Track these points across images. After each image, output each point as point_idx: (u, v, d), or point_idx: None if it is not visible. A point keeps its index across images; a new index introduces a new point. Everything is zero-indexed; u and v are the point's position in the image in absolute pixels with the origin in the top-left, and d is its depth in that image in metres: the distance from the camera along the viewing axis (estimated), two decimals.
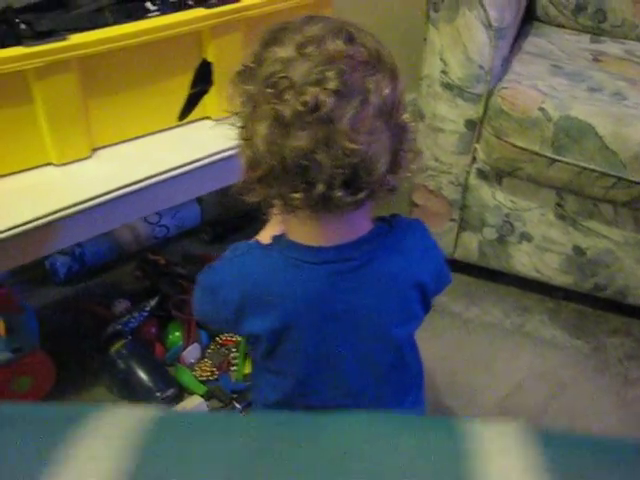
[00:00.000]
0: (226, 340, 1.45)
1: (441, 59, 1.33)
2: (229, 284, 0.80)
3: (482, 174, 1.46)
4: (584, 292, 1.53)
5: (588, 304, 1.59)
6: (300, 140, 0.66)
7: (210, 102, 1.16)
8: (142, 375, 1.32)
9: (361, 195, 0.69)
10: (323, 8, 1.17)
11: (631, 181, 1.29)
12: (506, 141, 1.35)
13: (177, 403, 1.32)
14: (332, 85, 0.65)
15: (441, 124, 1.40)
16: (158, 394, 1.31)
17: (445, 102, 1.37)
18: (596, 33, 1.64)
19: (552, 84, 1.36)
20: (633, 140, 1.26)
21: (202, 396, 1.34)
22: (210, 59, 1.11)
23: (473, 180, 1.47)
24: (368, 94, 0.67)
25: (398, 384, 0.88)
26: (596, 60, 1.51)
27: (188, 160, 1.08)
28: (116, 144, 1.12)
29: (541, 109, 1.31)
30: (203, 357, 1.43)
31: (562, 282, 1.53)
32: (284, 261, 0.77)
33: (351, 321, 0.79)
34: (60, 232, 1.00)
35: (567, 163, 1.32)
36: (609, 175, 1.30)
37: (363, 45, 0.68)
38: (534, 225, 1.47)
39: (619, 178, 1.29)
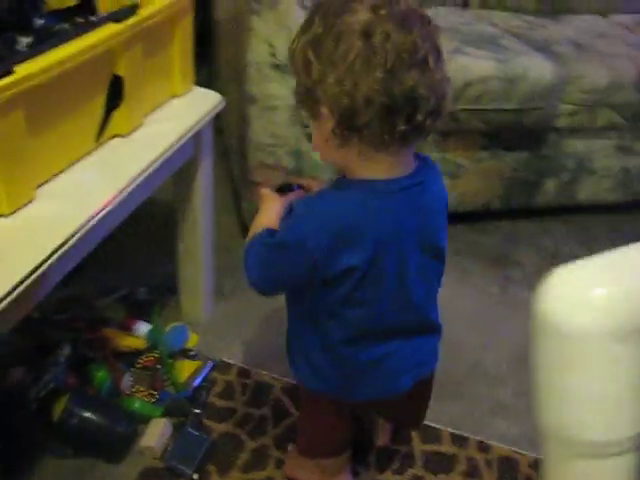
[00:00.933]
0: (146, 361, 1.44)
1: (268, 44, 1.48)
2: (315, 233, 0.89)
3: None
4: None
5: None
6: (407, 80, 0.81)
7: (120, 118, 1.15)
8: (99, 419, 1.27)
9: (438, 122, 0.87)
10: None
11: None
12: None
13: (139, 432, 1.30)
14: (417, 34, 0.82)
15: (274, 102, 1.56)
16: (120, 430, 1.27)
17: (276, 82, 1.53)
18: None
19: None
20: None
21: (162, 416, 1.34)
22: (121, 73, 1.11)
23: (306, 147, 1.66)
24: (434, 40, 0.85)
25: (435, 296, 1.07)
26: None
27: (122, 186, 1.08)
28: (51, 180, 1.06)
29: None
30: (134, 384, 1.40)
31: None
32: (364, 195, 0.89)
33: (418, 238, 0.95)
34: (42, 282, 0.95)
35: None
36: None
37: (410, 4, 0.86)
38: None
39: None
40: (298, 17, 1.47)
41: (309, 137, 1.66)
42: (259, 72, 1.52)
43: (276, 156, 1.64)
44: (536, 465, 1.34)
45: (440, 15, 2.04)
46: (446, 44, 1.64)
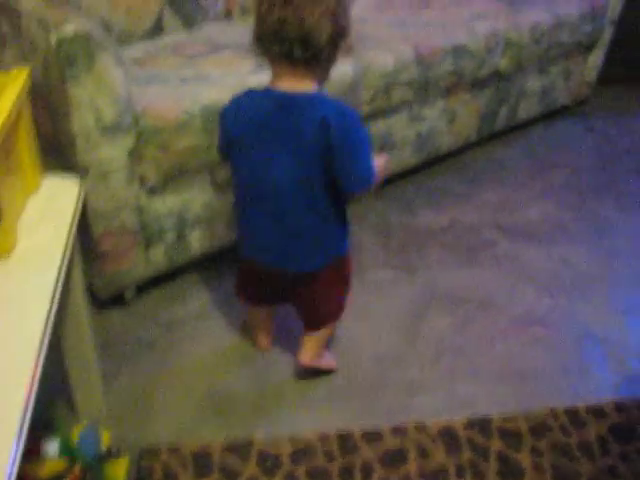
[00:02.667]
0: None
1: (92, 108, 1.36)
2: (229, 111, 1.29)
3: (151, 191, 1.57)
4: None
5: None
6: (274, 14, 1.13)
7: None
8: None
9: (308, 53, 1.15)
10: None
11: None
12: (171, 150, 1.51)
13: None
14: None
15: (108, 167, 1.45)
16: None
17: (106, 145, 1.42)
18: None
19: (172, 88, 1.55)
20: None
21: None
22: None
23: (145, 201, 1.57)
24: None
25: (312, 204, 1.30)
26: (139, 64, 1.73)
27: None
28: None
29: (184, 111, 1.50)
30: None
31: (231, 239, 1.81)
32: (253, 93, 1.26)
33: (283, 140, 1.22)
34: None
35: None
36: None
37: None
38: (200, 207, 1.69)
39: None
40: (115, 72, 1.37)
41: (149, 191, 1.57)
42: (88, 140, 1.39)
43: (120, 219, 1.53)
44: (471, 425, 1.46)
45: (212, 31, 2.02)
46: (244, 63, 1.65)
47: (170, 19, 1.97)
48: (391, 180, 2.27)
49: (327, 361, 1.58)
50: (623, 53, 3.04)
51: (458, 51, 2.09)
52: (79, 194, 1.18)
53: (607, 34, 2.77)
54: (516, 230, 2.13)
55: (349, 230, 1.41)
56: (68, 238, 1.09)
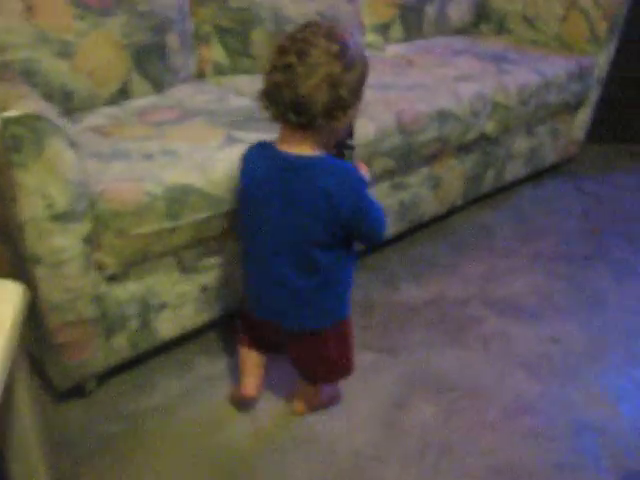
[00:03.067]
0: None
1: (42, 196, 1.25)
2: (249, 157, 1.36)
3: (112, 278, 1.45)
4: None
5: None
6: (273, 77, 1.20)
7: None
8: None
9: (302, 119, 1.19)
10: None
11: (231, 209, 1.52)
12: (130, 235, 1.39)
13: None
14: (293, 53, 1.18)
15: (61, 256, 1.32)
16: None
17: (59, 234, 1.30)
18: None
19: (135, 165, 1.44)
20: (220, 180, 1.48)
21: None
22: None
23: (105, 288, 1.45)
24: (319, 67, 1.16)
25: (305, 266, 1.33)
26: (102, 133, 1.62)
27: None
28: None
29: (146, 192, 1.39)
30: None
31: (201, 321, 1.68)
32: (260, 151, 1.32)
33: (284, 200, 1.26)
34: None
35: (185, 223, 1.46)
36: (218, 214, 1.50)
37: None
38: (166, 291, 1.57)
39: (224, 211, 1.51)
40: (67, 156, 1.25)
41: (108, 278, 1.45)
42: (38, 229, 1.27)
43: (76, 310, 1.41)
44: None
45: (185, 95, 1.92)
46: (214, 134, 1.56)
47: (137, 83, 1.86)
48: (374, 249, 2.17)
49: (328, 394, 1.57)
50: (610, 111, 2.98)
51: (443, 116, 2.00)
52: (22, 302, 1.05)
53: (594, 93, 2.70)
54: (504, 304, 2.02)
55: (349, 293, 1.43)
56: (6, 353, 0.96)
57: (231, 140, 1.60)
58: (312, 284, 1.31)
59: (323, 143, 1.27)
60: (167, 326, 1.63)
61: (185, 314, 1.64)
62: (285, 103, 1.19)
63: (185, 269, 1.58)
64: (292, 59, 1.17)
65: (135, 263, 1.46)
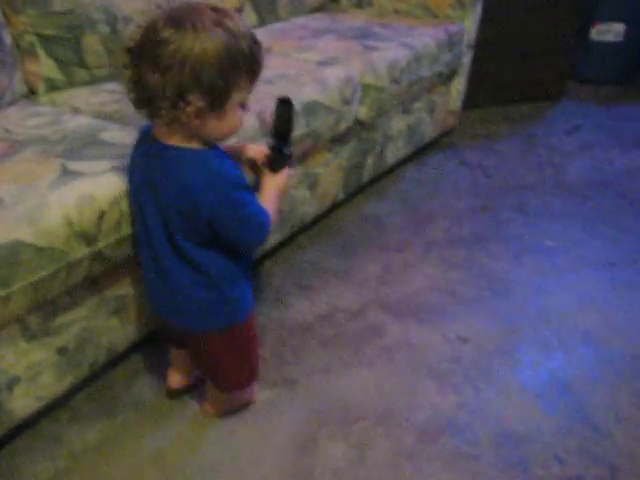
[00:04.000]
0: None
1: None
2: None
3: None
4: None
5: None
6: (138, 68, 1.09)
7: None
8: None
9: (158, 111, 1.08)
10: None
11: (77, 259, 1.25)
12: None
13: None
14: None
15: None
16: None
17: None
18: None
19: None
20: (55, 228, 1.21)
21: None
22: None
23: None
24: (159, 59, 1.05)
25: (180, 260, 1.25)
26: None
27: None
28: None
29: None
30: None
31: (63, 387, 1.41)
32: (145, 131, 1.22)
33: (151, 193, 1.18)
34: None
35: (21, 287, 1.18)
36: (60, 268, 1.22)
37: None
38: (13, 365, 1.28)
39: (68, 263, 1.23)
40: None
41: None
42: None
43: None
44: None
45: (12, 121, 1.60)
46: (47, 168, 1.29)
47: None
48: (255, 263, 1.94)
49: (237, 399, 1.51)
50: (484, 76, 2.87)
51: (310, 109, 1.79)
52: None
53: (466, 59, 2.57)
54: (404, 307, 1.85)
55: (247, 298, 1.34)
56: None
57: (66, 175, 1.31)
58: (188, 279, 1.24)
59: (200, 136, 1.14)
60: (23, 403, 1.34)
61: (43, 383, 1.36)
62: (144, 92, 1.12)
63: (33, 336, 1.30)
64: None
65: None
